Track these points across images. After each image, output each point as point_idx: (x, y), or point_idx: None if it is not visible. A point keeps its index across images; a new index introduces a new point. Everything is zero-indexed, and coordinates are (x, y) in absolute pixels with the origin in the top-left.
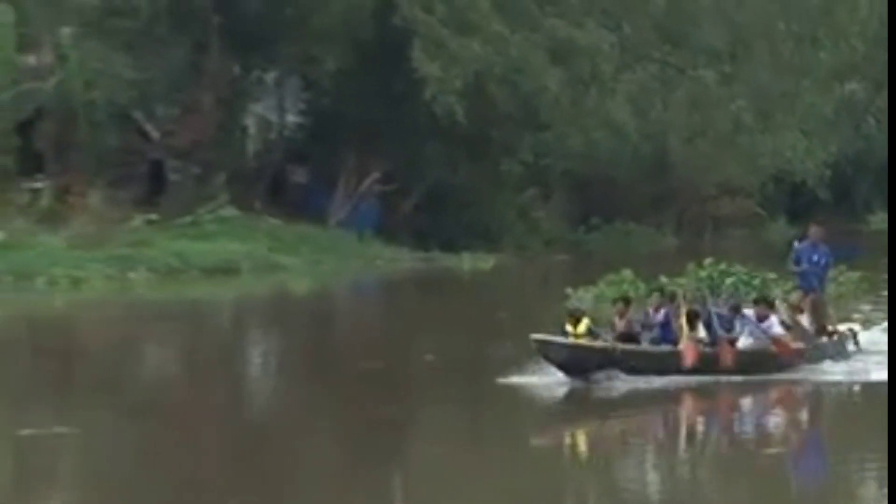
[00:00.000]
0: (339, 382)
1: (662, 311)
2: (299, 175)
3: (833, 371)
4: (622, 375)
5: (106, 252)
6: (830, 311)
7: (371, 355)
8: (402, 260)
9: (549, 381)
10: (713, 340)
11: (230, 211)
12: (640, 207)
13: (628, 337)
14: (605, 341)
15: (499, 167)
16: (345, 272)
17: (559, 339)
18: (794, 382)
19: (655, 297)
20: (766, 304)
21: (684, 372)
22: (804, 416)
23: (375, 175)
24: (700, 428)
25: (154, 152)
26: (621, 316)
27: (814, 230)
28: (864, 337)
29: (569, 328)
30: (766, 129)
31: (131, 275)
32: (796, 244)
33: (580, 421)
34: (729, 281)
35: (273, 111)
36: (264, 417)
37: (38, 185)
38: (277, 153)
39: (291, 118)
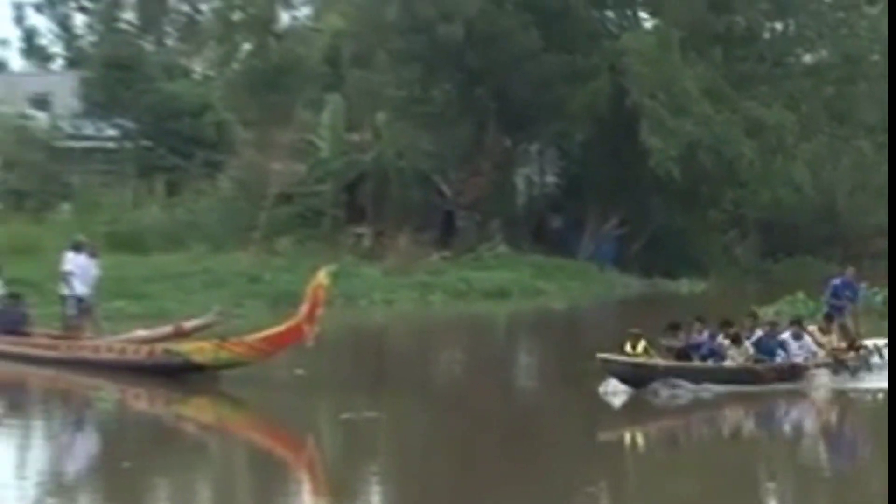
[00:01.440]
0: (582, 377)
1: (705, 333)
2: (556, 221)
3: (857, 379)
4: (687, 385)
5: (411, 280)
6: (857, 328)
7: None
8: (633, 286)
9: None
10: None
11: (503, 249)
12: (814, 244)
13: (684, 355)
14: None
15: (707, 215)
16: (590, 295)
17: (619, 357)
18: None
19: (697, 324)
20: (798, 326)
21: (722, 382)
22: (833, 418)
23: (613, 221)
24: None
25: (447, 205)
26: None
27: (850, 271)
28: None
29: (628, 348)
30: None
31: (430, 297)
32: (834, 281)
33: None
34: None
35: (536, 174)
36: (530, 402)
37: (361, 230)
38: (539, 205)
39: (550, 178)
